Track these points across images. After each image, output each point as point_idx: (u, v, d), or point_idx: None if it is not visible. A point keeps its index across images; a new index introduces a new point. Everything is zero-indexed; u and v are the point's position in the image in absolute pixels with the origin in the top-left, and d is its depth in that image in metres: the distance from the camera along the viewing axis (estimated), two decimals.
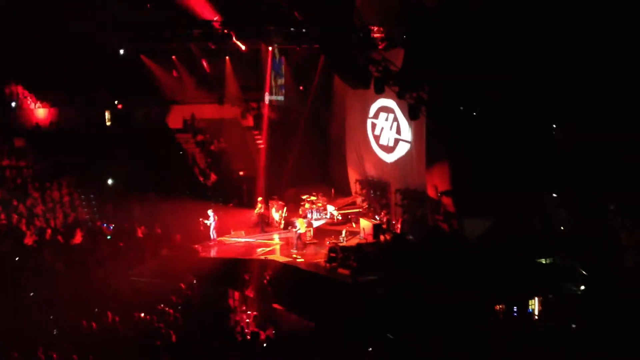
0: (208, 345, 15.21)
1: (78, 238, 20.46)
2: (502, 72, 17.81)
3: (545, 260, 18.14)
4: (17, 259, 18.78)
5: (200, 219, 21.87)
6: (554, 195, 18.52)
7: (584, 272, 17.08)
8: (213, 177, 25.97)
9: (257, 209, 23.31)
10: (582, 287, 16.91)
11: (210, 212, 21.83)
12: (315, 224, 22.58)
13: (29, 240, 19.77)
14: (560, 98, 17.18)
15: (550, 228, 18.37)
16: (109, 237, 21.15)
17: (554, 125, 18.42)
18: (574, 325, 15.19)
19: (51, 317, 16.32)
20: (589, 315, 15.30)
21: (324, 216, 23.50)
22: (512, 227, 18.66)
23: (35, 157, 23.63)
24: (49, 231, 20.31)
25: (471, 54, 18.05)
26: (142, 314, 16.62)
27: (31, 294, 17.34)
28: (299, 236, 20.78)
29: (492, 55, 17.81)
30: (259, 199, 23.48)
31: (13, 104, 25.36)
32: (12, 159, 23.33)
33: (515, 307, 16.59)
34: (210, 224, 21.75)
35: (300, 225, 20.93)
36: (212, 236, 21.87)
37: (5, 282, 17.63)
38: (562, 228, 18.23)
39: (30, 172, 23.06)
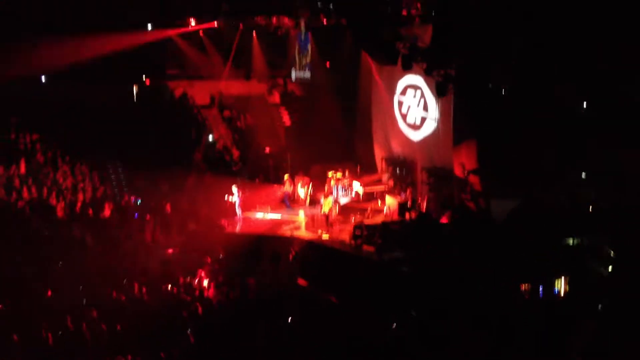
0: (232, 317, 15.37)
1: (107, 212, 20.72)
2: (531, 48, 17.56)
3: (573, 241, 17.98)
4: (47, 232, 19.06)
5: (225, 195, 22.01)
6: (583, 174, 18.30)
7: (612, 253, 16.90)
8: (238, 152, 26.04)
9: (284, 185, 23.37)
10: (610, 268, 16.74)
11: (234, 189, 21.95)
12: (342, 201, 22.59)
13: (59, 214, 20.06)
14: (590, 74, 16.91)
15: (578, 208, 18.16)
16: (136, 213, 21.38)
17: (584, 103, 18.16)
18: (600, 306, 15.06)
19: (80, 287, 16.59)
20: (617, 296, 15.15)
21: (349, 193, 23.51)
22: (539, 206, 18.48)
23: (64, 131, 23.86)
24: (78, 205, 20.58)
25: (500, 30, 17.82)
26: (169, 286, 16.84)
27: (60, 265, 17.58)
28: (325, 215, 20.80)
29: (522, 30, 17.56)
30: (286, 175, 23.52)
31: (43, 78, 25.56)
32: (42, 133, 23.58)
33: (541, 287, 16.50)
34: (235, 200, 21.88)
35: (326, 204, 20.91)
36: (237, 212, 22.01)
37: (36, 254, 17.93)
38: (590, 208, 18.01)
39: (60, 146, 23.31)
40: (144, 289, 16.31)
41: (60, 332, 14.04)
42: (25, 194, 20.32)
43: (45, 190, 20.64)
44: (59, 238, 18.97)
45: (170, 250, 19.79)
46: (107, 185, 22.59)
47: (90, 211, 20.56)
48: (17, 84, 22.90)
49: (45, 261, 17.73)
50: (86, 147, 23.26)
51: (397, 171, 23.88)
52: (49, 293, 15.87)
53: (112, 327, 14.44)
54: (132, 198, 22.19)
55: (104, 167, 23.28)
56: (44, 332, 13.82)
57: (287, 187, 23.44)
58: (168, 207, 21.61)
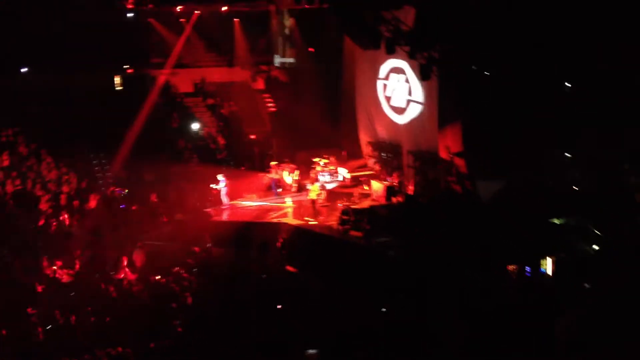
0: (222, 307, 15.39)
1: (92, 203, 20.60)
2: (514, 30, 17.54)
3: (559, 220, 18.10)
4: (32, 224, 18.92)
5: (211, 185, 21.94)
6: (568, 154, 18.39)
7: (597, 232, 17.03)
8: (223, 140, 25.95)
9: (270, 172, 23.33)
10: (595, 247, 16.88)
11: (220, 177, 21.88)
12: (328, 186, 22.60)
13: (44, 206, 19.90)
14: (574, 56, 16.95)
15: (563, 188, 18.26)
16: (122, 204, 21.27)
17: (568, 83, 18.19)
18: (587, 285, 15.20)
19: (68, 281, 16.53)
20: (603, 275, 15.30)
21: (335, 179, 23.52)
22: (524, 187, 18.57)
23: (47, 122, 23.62)
24: (63, 196, 20.43)
25: (483, 12, 17.79)
26: (158, 277, 16.82)
27: (46, 257, 17.49)
28: (312, 201, 20.79)
29: (505, 12, 17.54)
30: (273, 162, 23.47)
31: (24, 69, 25.24)
32: (23, 124, 23.33)
33: (528, 268, 16.62)
34: (221, 189, 21.82)
35: (313, 191, 20.91)
36: (223, 201, 21.97)
37: (22, 246, 17.81)
38: (575, 188, 18.12)
39: (44, 137, 23.10)
40: (132, 281, 16.28)
41: (49, 326, 14.00)
42: (8, 187, 20.14)
43: (29, 183, 20.47)
44: (44, 230, 18.84)
45: (157, 241, 19.73)
46: (91, 176, 22.45)
47: (76, 203, 20.43)
48: None
49: (31, 254, 17.61)
50: (69, 137, 23.07)
51: (383, 155, 23.90)
52: (37, 286, 15.80)
53: (101, 319, 14.42)
54: (118, 189, 22.07)
55: (88, 158, 23.13)
56: (32, 326, 13.78)
57: (274, 174, 23.41)
58: (154, 197, 21.53)
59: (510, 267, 16.54)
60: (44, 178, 21.01)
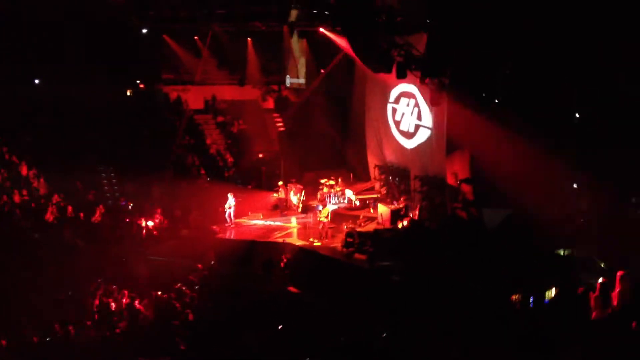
0: (224, 324, 15.33)
1: (98, 216, 20.65)
2: (525, 57, 17.60)
3: (564, 252, 17.99)
4: (37, 235, 18.98)
5: (226, 206, 21.90)
6: (575, 185, 18.34)
7: (602, 264, 16.92)
8: (231, 158, 26.02)
9: (277, 192, 23.33)
10: (601, 280, 16.75)
11: (230, 196, 21.89)
12: (333, 208, 22.58)
13: (49, 217, 19.97)
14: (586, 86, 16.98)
15: (569, 219, 18.19)
16: (127, 217, 21.32)
17: (577, 114, 18.21)
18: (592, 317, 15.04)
19: (70, 293, 16.53)
20: (607, 307, 15.14)
21: (342, 201, 23.51)
22: (530, 217, 18.49)
23: (57, 135, 23.77)
24: (69, 208, 20.49)
25: (494, 40, 17.86)
26: (160, 293, 16.78)
27: (49, 270, 17.52)
28: (320, 223, 20.64)
29: (516, 39, 17.60)
30: (280, 182, 23.48)
31: (36, 81, 25.47)
32: (34, 136, 23.49)
33: (531, 298, 16.48)
34: (230, 207, 21.83)
35: (324, 213, 20.73)
36: (229, 219, 21.92)
37: (26, 258, 17.84)
38: (581, 220, 18.04)
39: (52, 150, 23.22)
40: (134, 296, 16.26)
41: (48, 339, 13.97)
42: (16, 198, 20.23)
43: (36, 194, 20.58)
44: (49, 242, 18.89)
45: (161, 256, 19.73)
46: (98, 188, 22.53)
47: (82, 215, 20.49)
48: (10, 86, 22.96)
49: (34, 265, 17.65)
50: (79, 150, 23.20)
51: (390, 179, 23.88)
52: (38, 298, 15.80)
53: (101, 334, 14.39)
54: (123, 202, 22.14)
55: (96, 171, 23.23)
56: (32, 338, 13.75)
57: (281, 194, 23.39)
58: (159, 212, 21.56)
59: (514, 297, 16.41)
60: (51, 189, 21.11)
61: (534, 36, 17.38)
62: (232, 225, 21.96)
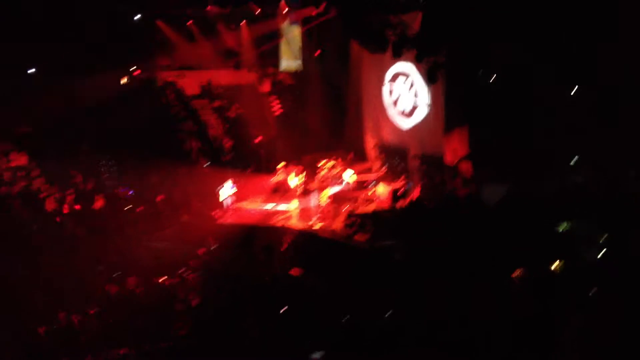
0: (226, 310, 15.38)
1: (97, 204, 20.66)
2: (522, 33, 17.50)
3: (564, 226, 18.01)
4: (37, 225, 19.00)
5: (219, 189, 21.81)
6: (574, 158, 18.32)
7: (602, 238, 16.94)
8: (229, 143, 25.96)
9: (277, 175, 23.28)
10: (601, 254, 16.78)
11: (230, 182, 21.78)
12: (333, 190, 22.55)
13: (49, 206, 19.98)
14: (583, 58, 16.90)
15: (569, 194, 18.18)
16: (127, 207, 21.32)
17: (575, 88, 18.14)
18: (592, 292, 15.10)
19: (71, 281, 16.57)
20: (608, 281, 15.20)
21: (341, 182, 23.48)
22: (530, 192, 18.49)
23: (54, 123, 23.70)
24: (69, 197, 20.49)
25: (490, 16, 17.75)
26: (162, 279, 16.84)
27: (50, 259, 17.56)
28: (321, 207, 20.62)
29: (513, 15, 17.49)
30: (281, 164, 23.39)
31: (31, 70, 25.32)
32: (30, 124, 23.43)
33: (533, 273, 16.50)
34: (232, 193, 21.75)
35: (324, 195, 20.74)
36: (227, 204, 21.85)
37: (26, 248, 17.88)
38: (581, 194, 18.03)
39: (49, 138, 23.17)
40: (136, 282, 16.30)
41: (53, 327, 14.03)
42: (15, 187, 20.24)
43: (35, 183, 20.57)
44: (49, 231, 18.91)
45: (162, 242, 19.77)
46: (97, 177, 22.51)
47: (81, 203, 20.50)
48: (5, 75, 22.86)
49: (35, 255, 17.68)
50: (75, 138, 23.15)
51: (389, 159, 23.85)
52: (40, 288, 15.85)
53: (104, 321, 14.44)
54: (123, 189, 22.12)
55: (95, 158, 23.18)
56: (35, 327, 13.81)
57: (280, 176, 23.32)
58: (159, 198, 21.55)
59: (515, 273, 16.44)
60: (50, 178, 21.10)
61: (529, 13, 17.30)
62: (230, 209, 21.83)
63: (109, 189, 22.20)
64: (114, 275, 17.03)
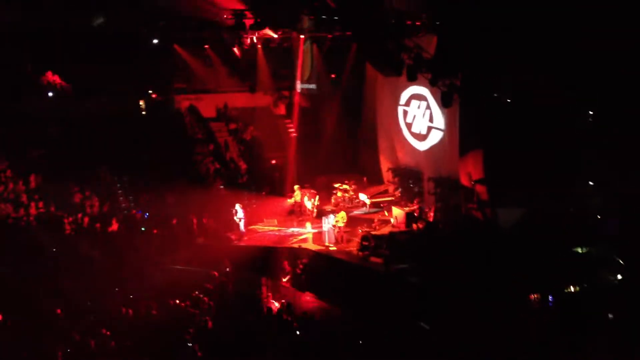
0: (241, 331, 15.36)
1: (114, 226, 20.78)
2: (536, 59, 17.56)
3: (581, 249, 17.91)
4: (55, 248, 19.12)
5: (235, 218, 21.81)
6: (590, 183, 18.25)
7: (620, 261, 16.82)
8: (244, 165, 26.07)
9: (293, 197, 23.30)
10: (619, 277, 16.66)
11: (238, 207, 21.77)
12: (348, 212, 22.53)
13: (67, 229, 20.12)
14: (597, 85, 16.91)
15: (586, 216, 18.10)
16: (143, 228, 21.40)
17: (591, 112, 18.14)
18: (611, 315, 14.98)
19: (88, 303, 16.63)
20: (626, 305, 15.07)
21: (356, 204, 23.51)
22: (546, 215, 18.42)
23: (71, 146, 23.95)
24: (86, 220, 20.63)
25: (504, 40, 17.84)
26: (177, 301, 16.85)
27: (68, 281, 17.64)
28: (337, 229, 20.56)
29: (527, 40, 17.57)
30: (296, 186, 23.43)
31: (50, 94, 25.68)
32: (50, 147, 23.68)
33: (550, 297, 16.40)
34: (240, 218, 21.73)
35: (340, 218, 20.71)
36: (241, 229, 21.82)
37: (44, 270, 17.98)
38: (598, 216, 17.95)
39: (67, 161, 23.39)
40: (152, 304, 16.33)
41: (68, 349, 14.06)
42: (32, 209, 20.41)
43: (53, 206, 20.73)
44: (66, 253, 19.03)
45: (177, 264, 19.81)
46: (114, 199, 22.66)
47: (98, 225, 20.62)
48: (25, 97, 23.18)
49: (53, 276, 17.78)
50: (93, 161, 23.36)
51: (404, 181, 23.85)
52: (58, 309, 15.90)
53: (121, 343, 14.46)
54: (139, 212, 22.24)
55: (111, 181, 23.35)
56: (52, 349, 13.84)
57: (297, 198, 23.32)
58: (174, 221, 21.64)
59: (533, 296, 16.34)
60: (67, 201, 21.26)
61: (542, 36, 17.37)
62: (244, 237, 21.82)
63: (125, 211, 22.32)
64: (130, 297, 17.06)
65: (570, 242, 17.86)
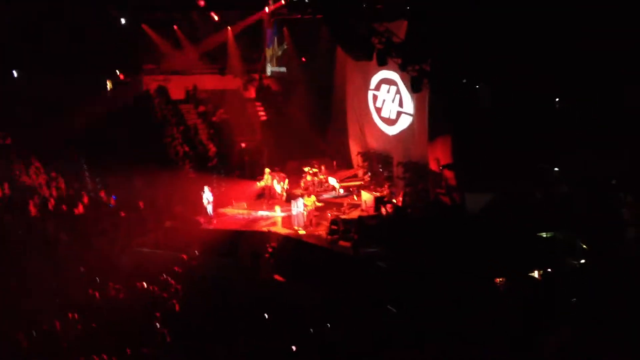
0: (209, 315, 15.33)
1: (81, 208, 20.52)
2: (505, 44, 17.70)
3: (546, 234, 18.20)
4: (20, 229, 18.82)
5: (204, 200, 21.70)
6: (556, 169, 18.51)
7: (584, 246, 17.13)
8: (214, 148, 25.92)
9: (262, 181, 23.26)
10: (583, 261, 16.98)
11: (206, 189, 21.67)
12: (317, 196, 22.59)
13: (32, 211, 19.81)
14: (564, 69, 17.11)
15: (551, 202, 18.37)
16: (111, 206, 21.19)
17: (557, 98, 18.36)
18: (574, 299, 15.27)
19: (54, 286, 16.43)
20: (590, 289, 15.38)
21: (325, 188, 23.56)
22: (513, 201, 18.67)
23: (37, 127, 23.53)
24: (52, 201, 20.34)
25: (474, 26, 17.93)
26: (145, 284, 16.73)
27: (33, 264, 17.40)
28: (307, 213, 20.61)
29: (496, 26, 17.69)
30: (266, 170, 23.37)
31: (15, 74, 25.17)
32: (11, 129, 23.24)
33: (515, 280, 16.66)
34: (209, 201, 21.64)
35: (308, 202, 20.75)
36: (209, 212, 21.74)
37: (9, 252, 17.70)
38: (563, 202, 18.23)
39: (33, 142, 23.01)
40: (119, 287, 16.19)
41: (34, 333, 13.89)
42: None
43: (18, 187, 20.39)
44: (32, 236, 18.74)
45: (145, 247, 19.67)
46: (81, 181, 22.37)
47: (64, 208, 20.34)
48: None
49: (18, 260, 17.52)
50: (59, 143, 23.00)
51: (373, 166, 23.95)
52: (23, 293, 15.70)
53: (87, 326, 14.33)
54: (106, 194, 21.98)
55: (78, 163, 23.03)
56: (17, 333, 13.67)
57: (267, 182, 23.26)
58: (142, 204, 21.45)
59: (498, 280, 16.58)
60: (32, 183, 20.93)
61: (513, 23, 17.49)
62: (213, 221, 21.76)
63: (93, 193, 22.05)
64: (97, 280, 16.89)
65: (535, 227, 18.12)
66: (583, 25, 16.68)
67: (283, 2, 24.27)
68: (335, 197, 23.12)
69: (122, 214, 20.86)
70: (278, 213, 21.95)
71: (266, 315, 15.29)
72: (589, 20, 16.53)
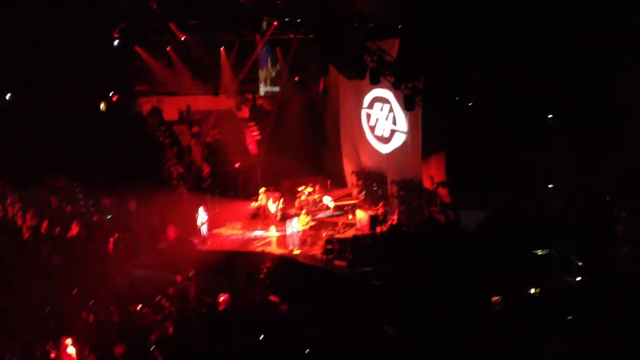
0: (204, 337, 15.22)
1: (74, 231, 20.41)
2: (499, 62, 17.78)
3: (542, 251, 18.17)
4: (12, 253, 18.71)
5: (198, 222, 21.63)
6: (550, 185, 18.53)
7: (580, 263, 17.10)
8: (207, 168, 25.89)
9: (257, 201, 23.18)
10: (578, 278, 16.93)
11: (201, 211, 21.61)
12: (312, 215, 22.54)
13: (25, 234, 19.71)
14: (559, 87, 17.19)
15: (546, 219, 18.36)
16: (104, 228, 21.10)
17: (550, 115, 18.41)
18: (570, 317, 15.21)
19: (48, 309, 16.31)
20: (586, 306, 15.32)
21: (320, 207, 23.51)
22: (508, 218, 18.65)
23: (30, 149, 23.48)
24: (45, 224, 20.23)
25: (467, 44, 18.02)
26: (139, 307, 16.62)
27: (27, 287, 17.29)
28: (300, 233, 20.54)
29: (490, 44, 17.78)
30: (261, 189, 23.31)
31: (8, 96, 25.12)
32: (6, 150, 23.18)
33: (511, 298, 16.58)
34: (203, 222, 21.56)
35: (302, 222, 20.70)
36: (203, 233, 21.66)
37: (2, 276, 17.59)
38: (558, 219, 18.22)
39: (26, 164, 22.93)
40: (113, 310, 16.08)
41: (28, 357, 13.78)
42: None
43: (10, 211, 20.29)
44: (24, 258, 18.64)
45: (139, 269, 19.55)
46: (74, 203, 22.26)
47: (57, 230, 20.24)
48: None
49: (10, 283, 17.40)
50: (52, 164, 22.93)
51: (367, 185, 23.92)
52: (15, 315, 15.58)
53: (81, 350, 14.21)
54: (100, 216, 21.89)
55: (71, 185, 22.95)
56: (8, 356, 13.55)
57: (262, 201, 23.19)
58: (136, 225, 21.36)
59: (494, 298, 16.51)
60: (25, 206, 20.82)
61: (505, 40, 17.59)
62: (207, 241, 21.66)
63: (86, 215, 21.95)
64: (90, 303, 16.76)
65: (530, 244, 18.09)
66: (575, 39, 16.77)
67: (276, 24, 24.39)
68: (329, 216, 23.07)
69: (116, 235, 20.75)
70: (273, 233, 21.88)
71: (261, 337, 15.18)
72: (589, 20, 16.58)
